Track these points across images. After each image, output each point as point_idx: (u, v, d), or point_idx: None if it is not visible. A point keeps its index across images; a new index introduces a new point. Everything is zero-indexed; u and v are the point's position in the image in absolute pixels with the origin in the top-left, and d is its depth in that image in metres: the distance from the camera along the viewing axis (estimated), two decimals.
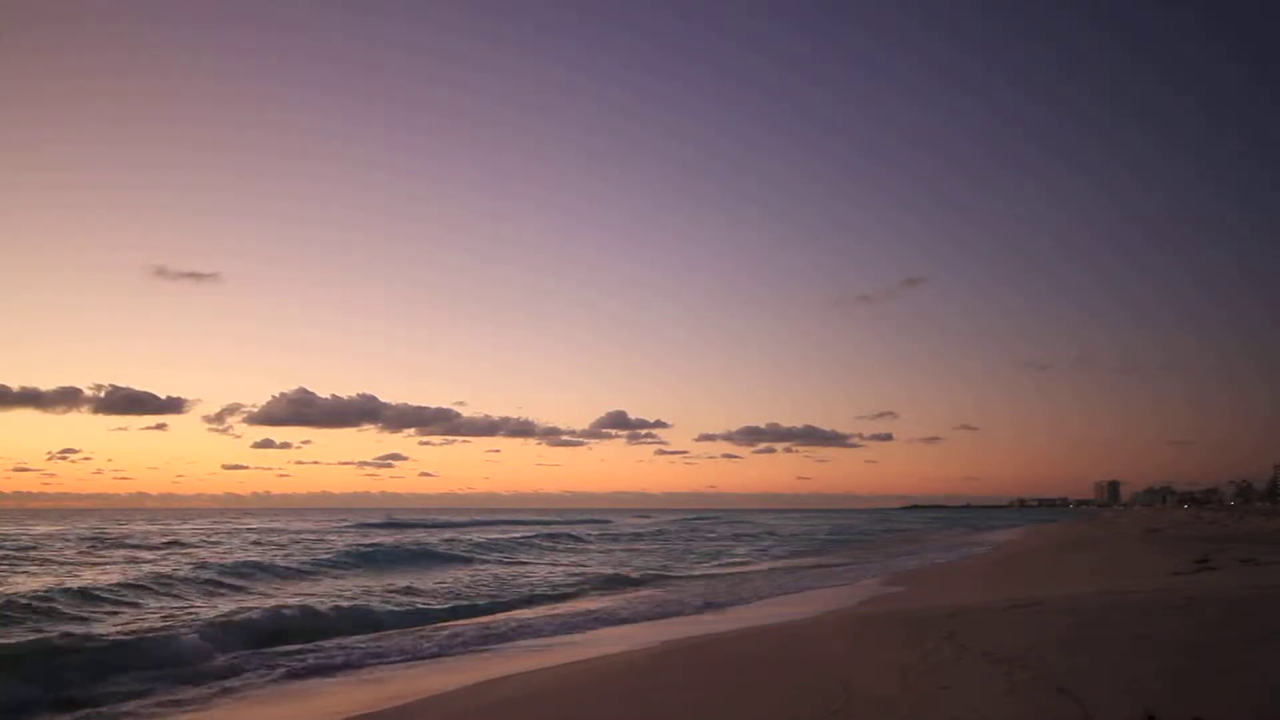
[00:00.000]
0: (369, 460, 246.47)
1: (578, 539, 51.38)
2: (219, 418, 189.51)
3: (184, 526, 64.83)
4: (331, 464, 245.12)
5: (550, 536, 50.69)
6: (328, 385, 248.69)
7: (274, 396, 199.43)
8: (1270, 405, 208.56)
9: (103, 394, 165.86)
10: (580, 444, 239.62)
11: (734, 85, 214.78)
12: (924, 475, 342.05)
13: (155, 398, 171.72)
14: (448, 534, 54.11)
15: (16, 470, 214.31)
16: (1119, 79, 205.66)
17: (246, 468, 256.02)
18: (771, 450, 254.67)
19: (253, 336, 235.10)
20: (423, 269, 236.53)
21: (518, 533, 54.42)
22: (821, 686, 7.34)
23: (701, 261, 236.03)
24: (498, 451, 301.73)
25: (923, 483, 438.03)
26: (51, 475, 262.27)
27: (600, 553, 41.37)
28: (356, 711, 8.41)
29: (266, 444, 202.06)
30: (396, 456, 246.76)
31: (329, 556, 30.29)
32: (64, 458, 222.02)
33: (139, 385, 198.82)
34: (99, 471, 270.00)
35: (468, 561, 32.82)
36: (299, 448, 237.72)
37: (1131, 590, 12.49)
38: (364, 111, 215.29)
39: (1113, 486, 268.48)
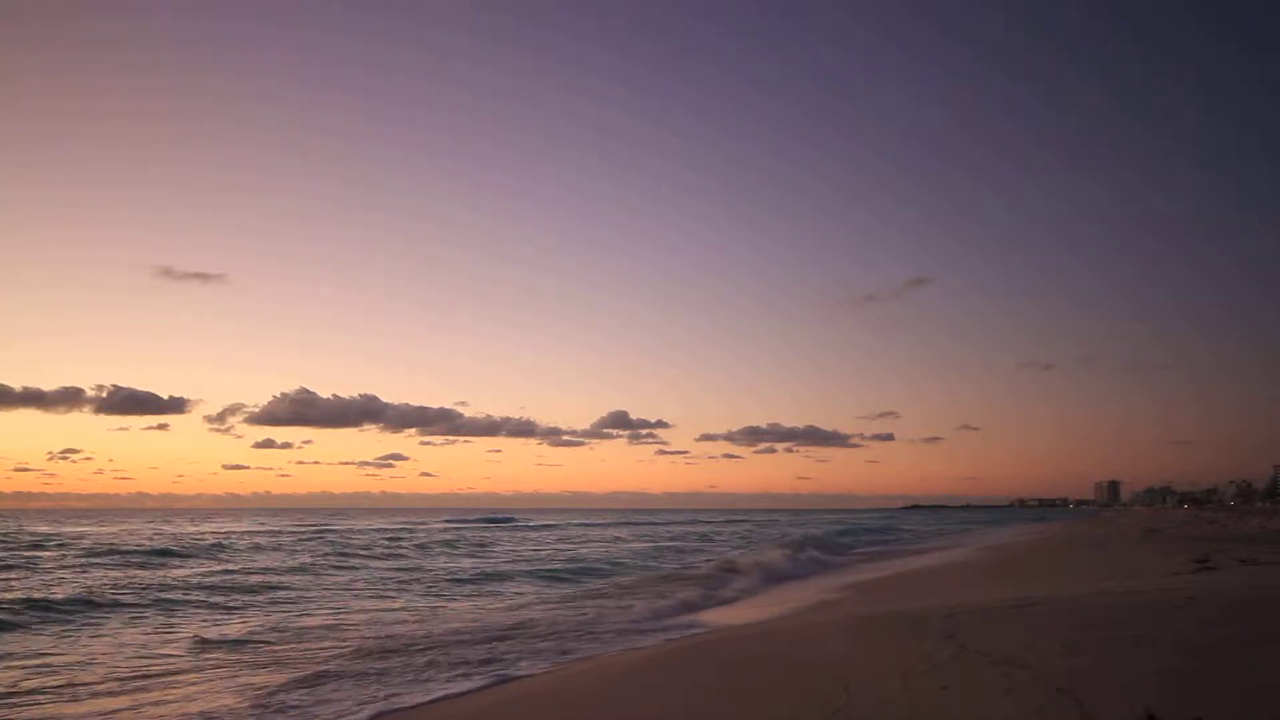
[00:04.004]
0: (370, 460, 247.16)
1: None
2: (220, 418, 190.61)
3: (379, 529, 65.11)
4: (332, 464, 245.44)
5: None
6: (329, 385, 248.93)
7: (276, 396, 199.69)
8: (1272, 405, 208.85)
9: (105, 394, 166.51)
10: (581, 444, 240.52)
11: (738, 83, 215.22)
12: (924, 475, 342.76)
13: (157, 398, 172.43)
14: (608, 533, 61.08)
15: (17, 470, 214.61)
16: (1125, 79, 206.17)
17: (247, 468, 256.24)
18: (772, 450, 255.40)
19: (255, 337, 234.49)
20: (425, 269, 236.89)
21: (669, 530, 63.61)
22: (822, 686, 7.34)
23: (704, 261, 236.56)
24: (499, 451, 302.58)
25: (923, 483, 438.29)
26: (52, 475, 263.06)
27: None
28: None
29: (268, 444, 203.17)
30: (397, 456, 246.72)
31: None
32: (65, 458, 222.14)
33: (141, 385, 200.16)
34: (100, 471, 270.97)
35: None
36: (300, 448, 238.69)
37: (1131, 590, 12.48)
38: (368, 112, 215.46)
39: (1113, 486, 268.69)
